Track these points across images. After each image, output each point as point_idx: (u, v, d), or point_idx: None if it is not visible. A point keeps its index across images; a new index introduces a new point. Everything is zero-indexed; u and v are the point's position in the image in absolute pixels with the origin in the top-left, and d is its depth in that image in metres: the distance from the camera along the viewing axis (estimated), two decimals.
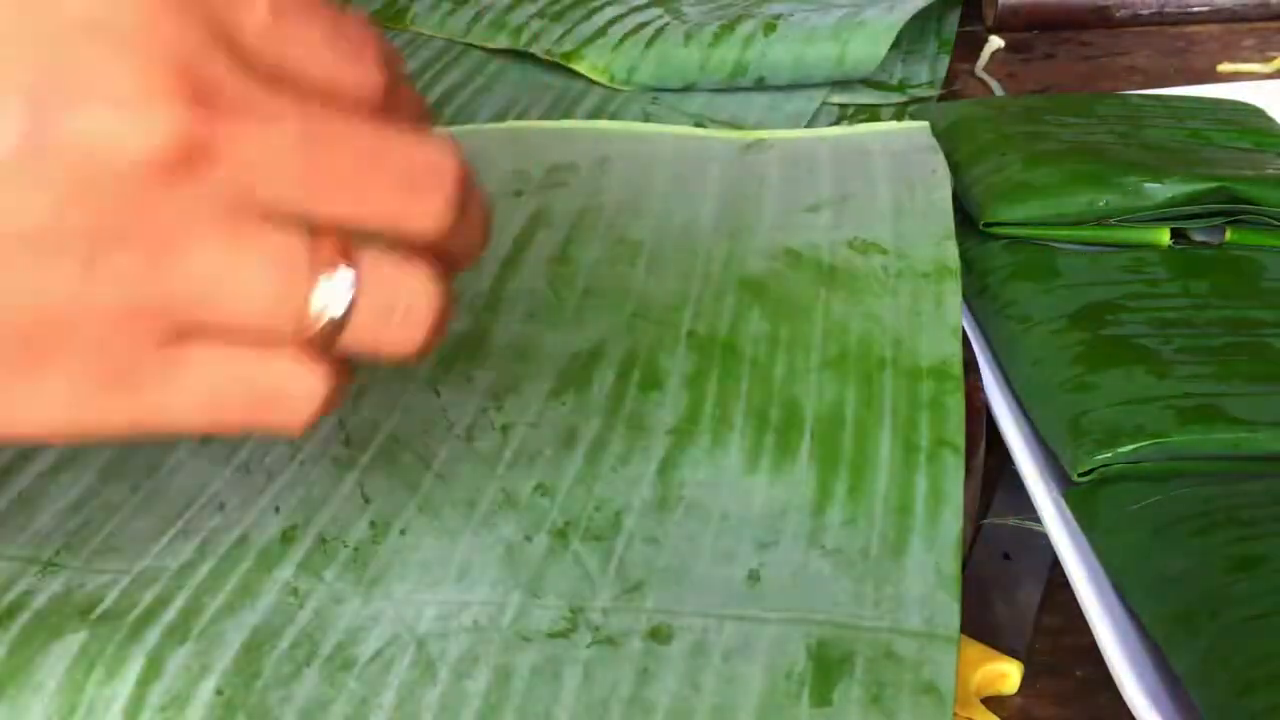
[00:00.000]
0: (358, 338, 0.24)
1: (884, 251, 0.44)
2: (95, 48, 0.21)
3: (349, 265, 0.23)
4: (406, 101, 0.26)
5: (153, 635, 0.31)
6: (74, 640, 0.31)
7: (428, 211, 0.24)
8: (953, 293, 0.42)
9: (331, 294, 0.23)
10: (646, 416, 0.38)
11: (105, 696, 0.29)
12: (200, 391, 0.24)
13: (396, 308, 0.24)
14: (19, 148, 0.21)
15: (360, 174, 0.23)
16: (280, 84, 0.23)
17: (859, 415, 0.38)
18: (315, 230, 0.23)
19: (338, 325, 0.23)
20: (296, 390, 0.24)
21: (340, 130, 0.23)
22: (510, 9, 0.70)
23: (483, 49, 0.68)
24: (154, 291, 0.22)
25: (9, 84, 0.21)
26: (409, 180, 0.24)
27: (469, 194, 0.25)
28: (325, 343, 0.24)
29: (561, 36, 0.66)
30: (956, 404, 0.37)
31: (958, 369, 0.39)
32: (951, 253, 0.44)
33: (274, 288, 0.23)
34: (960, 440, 0.36)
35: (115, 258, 0.22)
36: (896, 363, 0.39)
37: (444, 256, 0.25)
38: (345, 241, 0.23)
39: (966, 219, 0.48)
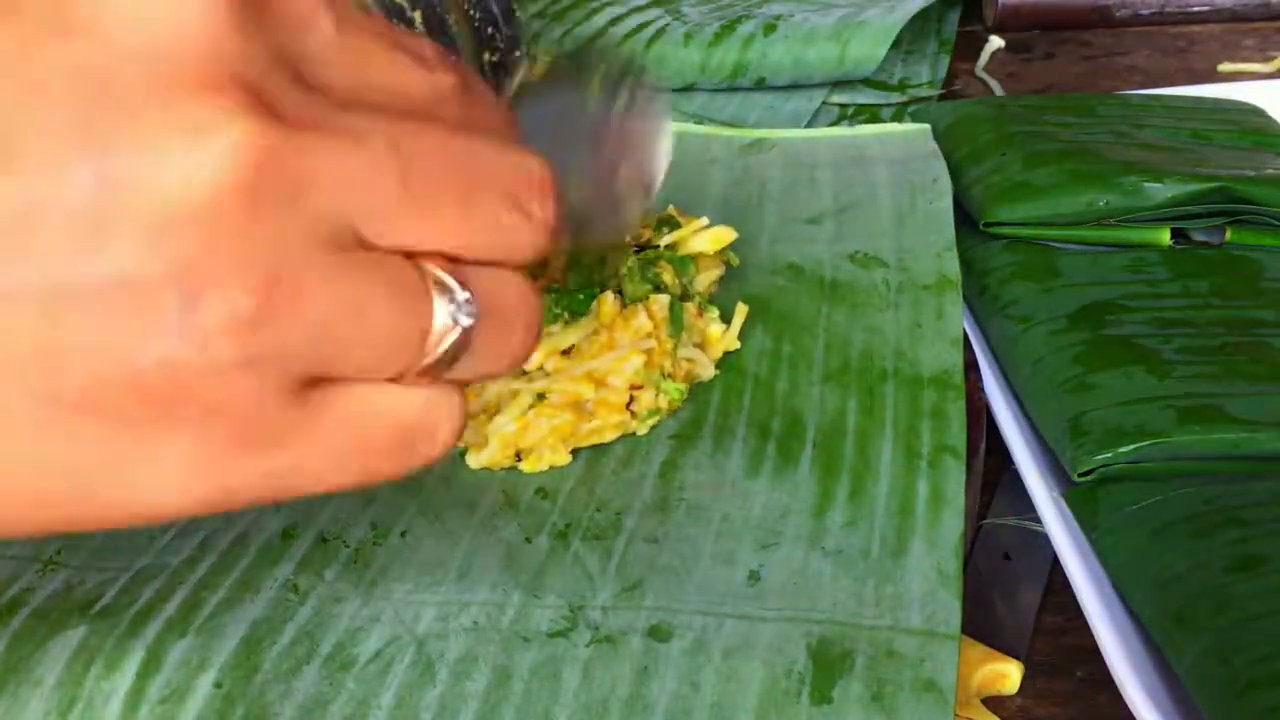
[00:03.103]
0: (480, 357, 0.22)
1: (885, 265, 0.44)
2: (153, 80, 0.19)
3: (464, 287, 0.22)
4: (484, 104, 0.24)
5: (152, 629, 0.31)
6: (74, 635, 0.31)
7: (532, 228, 0.23)
8: (953, 304, 0.42)
9: (452, 317, 0.21)
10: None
11: (104, 690, 0.29)
12: (342, 439, 0.22)
13: (515, 325, 0.23)
14: (77, 198, 0.18)
15: (460, 190, 0.21)
16: (356, 101, 0.21)
17: (860, 424, 0.37)
18: (419, 254, 0.21)
19: (460, 348, 0.22)
20: (438, 417, 0.23)
21: (429, 143, 0.21)
22: None
23: None
24: (265, 337, 0.20)
25: (58, 132, 0.19)
26: (511, 197, 0.22)
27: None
28: (448, 366, 0.22)
29: (561, 36, 0.66)
30: (958, 411, 0.37)
31: (959, 378, 0.39)
32: (952, 265, 0.44)
33: (396, 317, 0.21)
34: (962, 445, 0.36)
35: (212, 304, 0.19)
36: (898, 374, 0.39)
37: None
38: (452, 261, 0.22)
39: (966, 219, 0.48)
